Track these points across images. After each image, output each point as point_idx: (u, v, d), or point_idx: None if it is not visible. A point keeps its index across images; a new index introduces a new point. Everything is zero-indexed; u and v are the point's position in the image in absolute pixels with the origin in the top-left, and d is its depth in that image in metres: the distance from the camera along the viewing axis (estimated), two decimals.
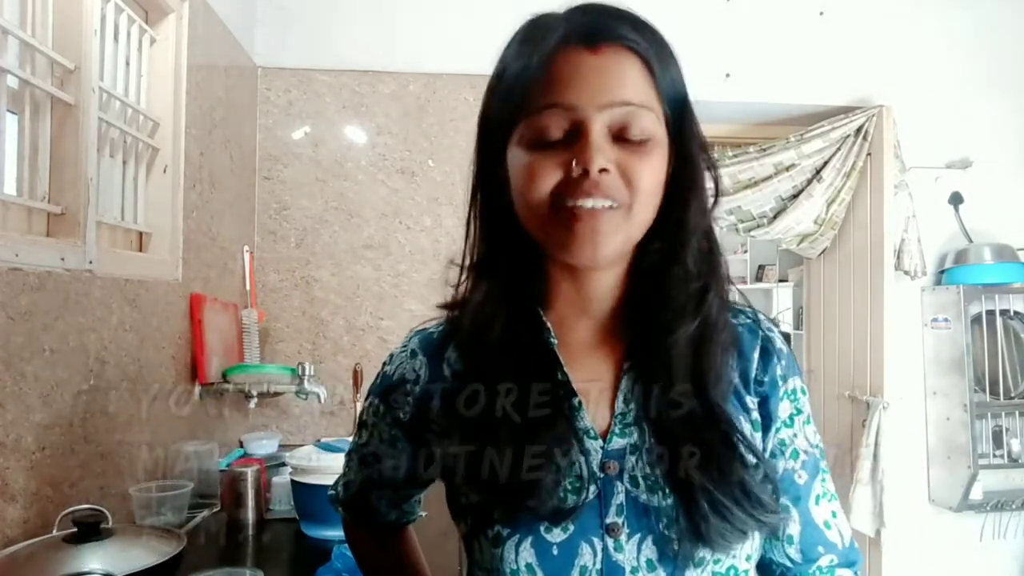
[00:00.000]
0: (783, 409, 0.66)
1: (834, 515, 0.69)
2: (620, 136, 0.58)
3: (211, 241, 1.97)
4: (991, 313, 2.55)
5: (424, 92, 2.45)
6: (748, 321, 0.68)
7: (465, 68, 2.43)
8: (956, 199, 2.65)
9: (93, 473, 1.31)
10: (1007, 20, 2.70)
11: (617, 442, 0.62)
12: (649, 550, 0.59)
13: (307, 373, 1.94)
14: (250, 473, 1.50)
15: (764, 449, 0.65)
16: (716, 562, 0.60)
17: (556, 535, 0.59)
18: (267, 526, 1.51)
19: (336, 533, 1.38)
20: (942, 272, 2.64)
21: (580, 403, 0.63)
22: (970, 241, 2.62)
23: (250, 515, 1.49)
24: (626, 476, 0.61)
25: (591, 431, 0.62)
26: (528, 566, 0.59)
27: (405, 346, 0.72)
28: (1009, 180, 2.68)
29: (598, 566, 0.59)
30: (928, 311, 2.64)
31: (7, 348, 1.07)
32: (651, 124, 0.59)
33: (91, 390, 1.31)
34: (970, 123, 2.66)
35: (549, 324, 0.65)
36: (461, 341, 0.67)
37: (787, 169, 2.50)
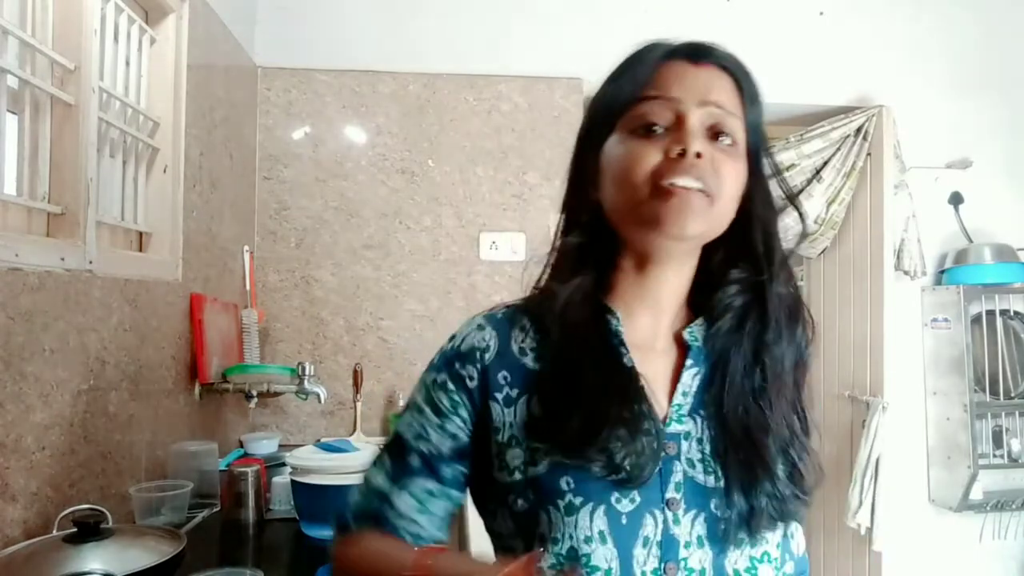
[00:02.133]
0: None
1: (796, 527, 0.76)
2: (712, 137, 0.66)
3: (211, 241, 1.97)
4: (991, 313, 2.55)
5: (424, 92, 2.45)
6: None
7: (465, 68, 2.43)
8: (956, 199, 2.65)
9: (93, 473, 1.31)
10: (1007, 20, 2.70)
11: (675, 427, 0.68)
12: (700, 527, 0.65)
13: (307, 373, 1.94)
14: (250, 473, 1.50)
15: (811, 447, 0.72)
16: (753, 545, 0.66)
17: (625, 505, 0.63)
18: (267, 526, 1.51)
19: None
20: (942, 272, 2.64)
21: (643, 388, 0.68)
22: (970, 241, 2.62)
23: (250, 515, 1.49)
24: (683, 457, 0.66)
25: (653, 415, 0.67)
26: (600, 533, 0.63)
27: (469, 324, 0.74)
28: (1009, 180, 2.68)
29: (658, 537, 0.64)
30: (928, 311, 2.64)
31: (7, 348, 1.07)
32: (739, 132, 0.67)
33: (91, 390, 1.31)
34: (970, 123, 2.66)
35: (617, 316, 0.71)
36: (538, 317, 0.71)
37: (787, 169, 2.50)
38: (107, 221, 1.48)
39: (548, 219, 0.65)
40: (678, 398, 0.69)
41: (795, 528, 0.74)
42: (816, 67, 2.59)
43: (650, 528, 0.63)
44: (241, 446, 2.12)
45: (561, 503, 0.64)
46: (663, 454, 0.65)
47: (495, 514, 0.70)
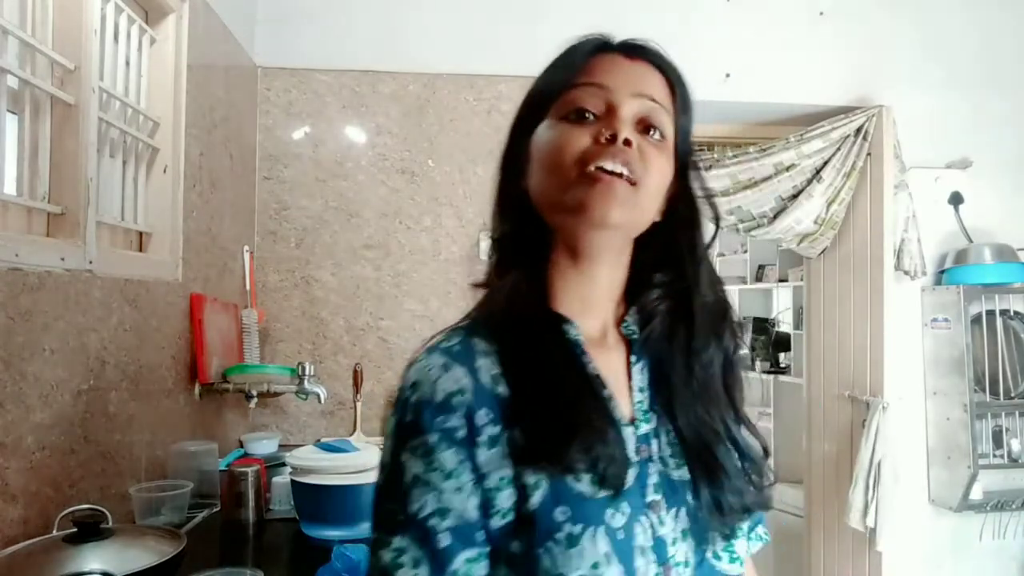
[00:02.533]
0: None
1: None
2: (643, 129, 0.66)
3: (211, 241, 1.97)
4: (991, 313, 2.55)
5: (424, 92, 2.45)
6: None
7: (465, 68, 2.43)
8: (956, 199, 2.65)
9: (93, 473, 1.32)
10: (1007, 20, 2.70)
11: (643, 427, 0.68)
12: (682, 521, 0.66)
13: (307, 373, 1.94)
14: (250, 473, 1.50)
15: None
16: (726, 527, 0.68)
17: (618, 520, 0.62)
18: (267, 526, 1.51)
19: (336, 533, 1.39)
20: (942, 272, 2.64)
21: (611, 395, 0.68)
22: (970, 241, 2.62)
23: (250, 515, 1.49)
24: (656, 457, 0.67)
25: (624, 419, 0.68)
26: (606, 555, 0.61)
27: (428, 365, 0.64)
28: (1009, 180, 2.68)
29: (650, 542, 0.63)
30: (928, 311, 2.64)
31: (7, 348, 1.07)
32: (668, 129, 0.68)
33: (91, 390, 1.31)
34: (970, 123, 2.66)
35: (575, 322, 0.69)
36: (494, 335, 0.67)
37: (787, 169, 2.50)
38: (107, 221, 1.48)
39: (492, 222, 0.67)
40: (636, 395, 0.70)
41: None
42: (816, 67, 2.59)
43: (641, 536, 0.63)
44: (241, 446, 2.12)
45: (561, 536, 0.60)
46: (638, 457, 0.66)
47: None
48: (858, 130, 2.49)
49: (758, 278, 4.29)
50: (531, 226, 0.70)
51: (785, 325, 4.08)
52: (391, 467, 0.62)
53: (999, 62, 2.68)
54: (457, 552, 0.60)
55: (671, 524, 0.65)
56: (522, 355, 0.65)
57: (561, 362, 0.67)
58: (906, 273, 2.53)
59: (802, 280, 3.03)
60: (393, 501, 0.61)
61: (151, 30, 1.69)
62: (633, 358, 0.71)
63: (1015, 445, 2.50)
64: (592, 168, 0.63)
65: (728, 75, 2.52)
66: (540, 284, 0.71)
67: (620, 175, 0.64)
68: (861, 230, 2.54)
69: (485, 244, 2.44)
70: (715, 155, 2.52)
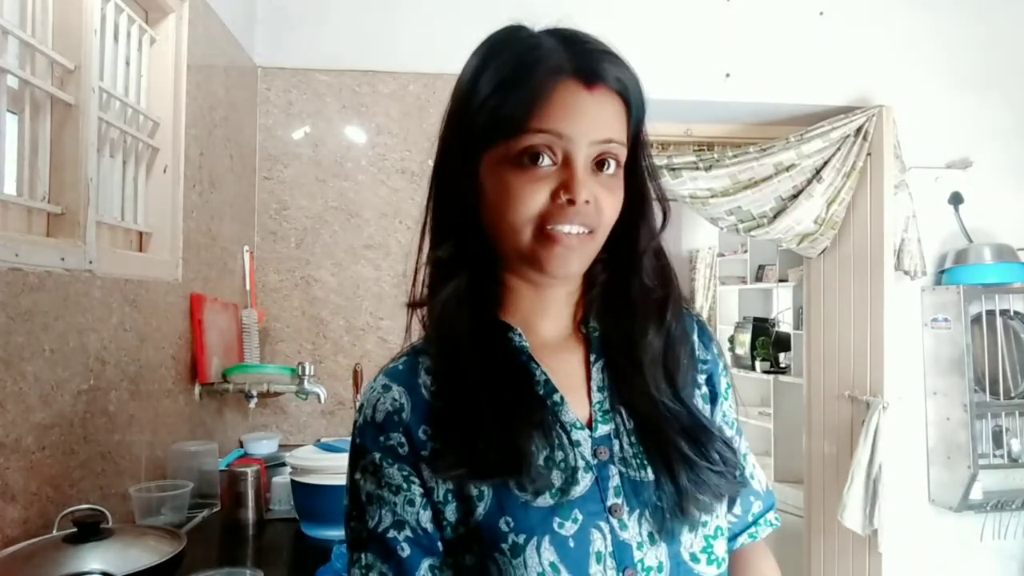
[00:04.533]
0: (723, 384, 0.76)
1: (754, 466, 0.78)
2: (597, 166, 0.64)
3: (211, 241, 1.97)
4: (991, 313, 2.55)
5: (424, 92, 2.45)
6: (685, 308, 0.75)
7: None
8: (956, 199, 2.65)
9: (93, 473, 1.32)
10: (1007, 20, 2.70)
11: (602, 428, 0.67)
12: (648, 524, 0.64)
13: (307, 373, 1.94)
14: (250, 473, 1.50)
15: (713, 418, 0.74)
16: (704, 524, 0.66)
17: (568, 528, 0.61)
18: (267, 526, 1.51)
19: (336, 533, 1.39)
20: (942, 272, 2.64)
21: (563, 398, 0.67)
22: (970, 241, 2.62)
23: (250, 515, 1.49)
24: (616, 459, 0.65)
25: (578, 423, 0.66)
26: (552, 564, 0.60)
27: (372, 388, 0.69)
28: (1009, 180, 2.68)
29: (609, 548, 0.62)
30: (928, 311, 2.64)
31: (7, 348, 1.07)
32: (622, 158, 0.66)
33: (91, 390, 1.31)
34: (970, 123, 2.66)
35: (516, 327, 0.69)
36: (434, 355, 0.68)
37: (787, 169, 2.50)
38: (107, 221, 1.48)
39: (420, 233, 0.65)
40: (595, 395, 0.69)
41: (747, 478, 0.75)
42: (816, 67, 2.59)
43: (599, 542, 0.62)
44: (241, 446, 2.12)
45: (505, 546, 0.60)
46: (595, 460, 0.65)
47: None
48: (858, 130, 2.49)
49: (758, 278, 4.29)
50: (475, 242, 0.68)
51: (785, 325, 4.08)
52: (350, 488, 0.66)
53: (999, 62, 2.68)
54: (419, 561, 0.62)
55: (635, 528, 0.63)
56: (457, 368, 0.66)
57: (496, 371, 0.65)
58: (906, 273, 2.53)
59: (802, 280, 3.03)
60: (355, 520, 0.65)
61: (151, 30, 1.69)
62: (592, 357, 0.70)
63: (1015, 445, 2.51)
64: (551, 228, 0.63)
65: (728, 75, 2.52)
66: (485, 294, 0.69)
67: (579, 233, 0.63)
68: (861, 230, 2.54)
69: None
70: (715, 155, 2.52)
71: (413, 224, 2.44)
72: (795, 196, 2.53)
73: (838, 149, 2.51)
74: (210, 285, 1.96)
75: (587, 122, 0.62)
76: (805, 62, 2.58)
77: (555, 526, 0.61)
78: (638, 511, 0.64)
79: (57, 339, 1.20)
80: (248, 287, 2.28)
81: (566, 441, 0.64)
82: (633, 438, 0.67)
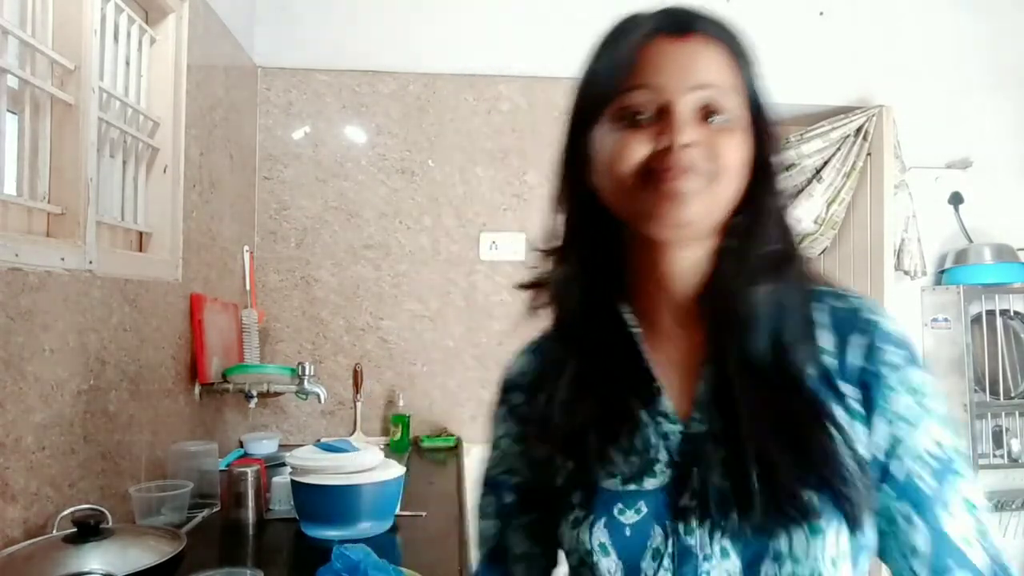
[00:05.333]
0: (901, 404, 0.62)
1: (980, 533, 0.60)
2: (707, 116, 0.62)
3: (211, 241, 1.97)
4: (991, 313, 2.55)
5: (424, 92, 2.45)
6: (851, 305, 0.66)
7: (465, 68, 2.43)
8: (956, 199, 2.65)
9: (93, 473, 1.31)
10: (1007, 20, 2.70)
11: (697, 427, 0.64)
12: (724, 537, 0.59)
13: (307, 373, 1.94)
14: (250, 473, 1.50)
15: (857, 439, 0.61)
16: (795, 561, 0.57)
17: (629, 516, 0.62)
18: (267, 526, 1.51)
19: (336, 533, 1.39)
20: (942, 272, 2.64)
21: (661, 387, 0.66)
22: (970, 241, 2.62)
23: (250, 515, 1.49)
24: (703, 462, 0.62)
25: (671, 415, 0.65)
26: (601, 545, 0.62)
27: (513, 355, 0.79)
28: (1009, 180, 2.68)
29: (671, 549, 0.60)
30: (928, 311, 2.64)
31: (7, 348, 1.07)
32: (734, 106, 0.63)
33: (91, 390, 1.31)
34: (970, 123, 2.66)
35: (630, 310, 0.70)
36: (550, 334, 0.73)
37: (787, 169, 2.50)
38: (107, 221, 1.48)
39: (548, 218, 0.66)
40: (701, 391, 0.64)
41: (920, 540, 0.60)
42: (816, 67, 2.59)
43: (659, 540, 0.60)
44: (241, 446, 2.12)
45: (570, 516, 0.65)
46: (680, 458, 0.63)
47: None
48: (858, 130, 2.49)
49: None
50: (597, 220, 0.68)
51: None
52: (491, 432, 0.78)
53: (999, 62, 2.68)
54: (519, 510, 0.73)
55: (704, 537, 0.59)
56: (564, 348, 0.70)
57: (598, 354, 0.68)
58: (906, 273, 2.53)
59: None
60: (487, 461, 0.78)
61: (151, 30, 1.69)
62: (710, 348, 0.65)
63: (1015, 445, 2.50)
64: (655, 171, 0.61)
65: None
66: (602, 274, 0.70)
67: (687, 174, 0.60)
68: (861, 230, 2.54)
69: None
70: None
71: (413, 224, 2.45)
72: (795, 196, 2.53)
73: (838, 149, 2.51)
74: (210, 285, 1.96)
75: (678, 69, 0.62)
76: (805, 62, 2.58)
77: (615, 511, 0.62)
78: (711, 521, 0.59)
79: (57, 339, 1.20)
80: (248, 287, 2.29)
81: (654, 433, 0.64)
82: (729, 444, 0.61)
